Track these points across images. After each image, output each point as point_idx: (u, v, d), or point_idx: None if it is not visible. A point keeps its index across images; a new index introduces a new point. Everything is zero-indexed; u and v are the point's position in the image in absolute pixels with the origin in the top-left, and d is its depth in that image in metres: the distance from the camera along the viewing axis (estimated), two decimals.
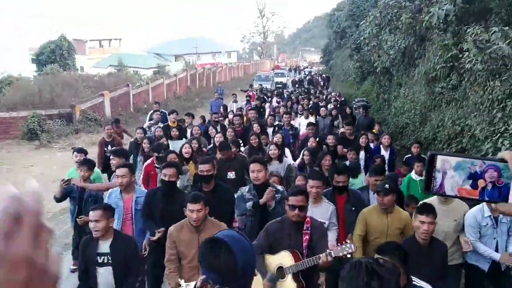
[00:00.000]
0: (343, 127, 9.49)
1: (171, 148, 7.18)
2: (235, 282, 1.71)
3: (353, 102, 15.88)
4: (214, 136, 7.87)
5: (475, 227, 4.19)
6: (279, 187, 4.53)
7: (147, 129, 9.26)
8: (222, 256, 1.72)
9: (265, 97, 18.05)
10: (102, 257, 3.74)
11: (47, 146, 14.15)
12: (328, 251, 3.30)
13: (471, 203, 3.63)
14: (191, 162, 6.42)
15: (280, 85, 29.85)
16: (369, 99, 18.73)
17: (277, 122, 10.09)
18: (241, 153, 6.84)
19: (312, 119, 10.74)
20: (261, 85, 25.50)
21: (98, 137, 14.28)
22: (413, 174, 6.07)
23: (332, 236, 4.11)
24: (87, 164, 5.40)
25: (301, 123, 10.48)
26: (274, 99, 16.13)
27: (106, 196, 4.96)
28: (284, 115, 9.96)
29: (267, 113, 12.58)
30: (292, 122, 9.89)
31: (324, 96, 19.69)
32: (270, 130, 9.13)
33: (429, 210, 3.57)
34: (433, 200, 4.11)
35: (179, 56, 47.31)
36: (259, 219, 4.25)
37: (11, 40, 31.59)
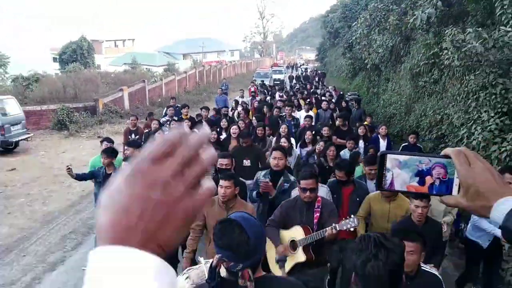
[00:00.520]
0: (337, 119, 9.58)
1: None
2: (247, 259, 1.73)
3: (346, 96, 16.14)
4: (226, 128, 8.09)
5: None
6: (291, 178, 4.56)
7: (164, 125, 9.37)
8: (235, 235, 1.73)
9: (265, 91, 18.32)
10: None
11: (75, 135, 14.49)
12: (333, 224, 3.32)
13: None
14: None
15: (278, 82, 29.23)
16: (360, 92, 18.96)
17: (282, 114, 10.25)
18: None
19: (312, 113, 10.69)
20: (263, 81, 25.62)
21: (120, 127, 14.74)
22: None
23: None
24: (106, 152, 5.45)
25: (301, 115, 10.41)
26: (277, 94, 16.30)
27: None
28: (286, 108, 10.10)
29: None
30: (293, 114, 10.00)
31: (319, 91, 19.83)
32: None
33: (423, 195, 3.54)
34: None
35: (186, 55, 47.44)
36: (268, 206, 4.34)
37: (11, 40, 31.48)
